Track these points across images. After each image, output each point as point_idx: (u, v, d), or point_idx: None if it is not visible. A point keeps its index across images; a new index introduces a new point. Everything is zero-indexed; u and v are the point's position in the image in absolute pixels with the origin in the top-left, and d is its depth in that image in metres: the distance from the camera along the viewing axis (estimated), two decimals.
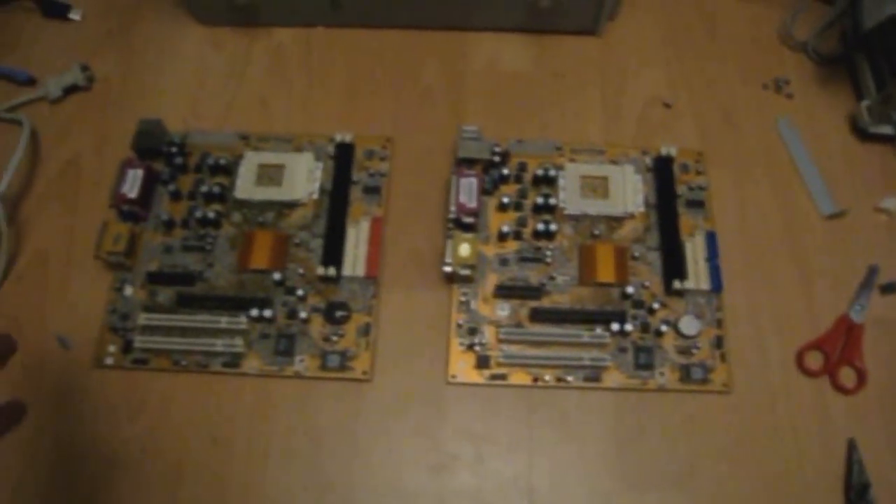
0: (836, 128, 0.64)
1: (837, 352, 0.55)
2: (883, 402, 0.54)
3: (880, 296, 0.57)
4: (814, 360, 0.55)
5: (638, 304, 0.55)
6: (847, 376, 0.55)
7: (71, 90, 0.65)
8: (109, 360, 0.54)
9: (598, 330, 0.54)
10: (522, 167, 0.60)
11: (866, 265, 0.58)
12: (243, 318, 0.54)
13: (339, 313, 0.55)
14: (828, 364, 0.55)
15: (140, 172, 0.58)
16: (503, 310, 0.55)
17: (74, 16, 0.69)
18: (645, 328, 0.55)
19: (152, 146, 0.60)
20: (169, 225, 0.58)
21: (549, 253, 0.57)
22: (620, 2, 0.66)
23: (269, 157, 0.59)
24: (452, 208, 0.55)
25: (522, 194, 0.59)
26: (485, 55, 0.67)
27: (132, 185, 0.57)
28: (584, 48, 0.68)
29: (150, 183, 0.59)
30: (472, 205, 0.55)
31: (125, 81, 0.66)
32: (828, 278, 0.58)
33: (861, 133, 0.63)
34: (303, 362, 0.54)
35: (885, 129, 0.61)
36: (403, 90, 0.65)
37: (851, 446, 0.52)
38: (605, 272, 0.55)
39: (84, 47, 0.68)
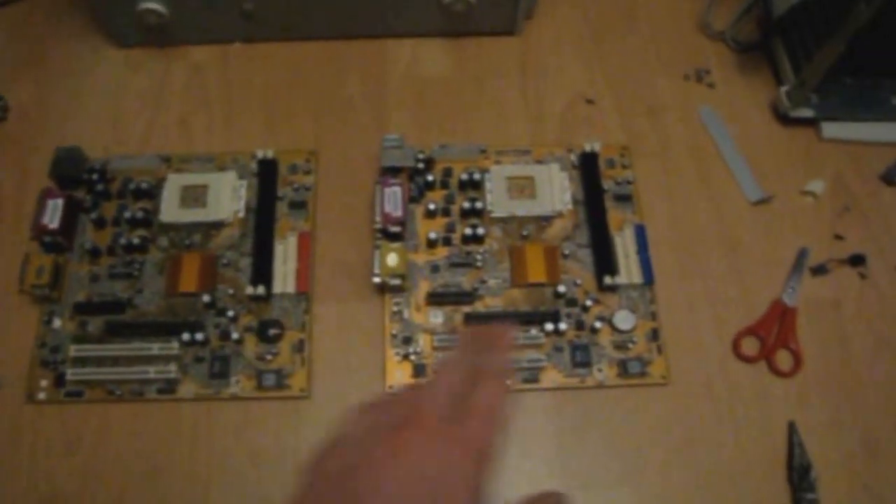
0: (758, 114, 0.65)
1: (773, 336, 0.56)
2: (820, 382, 0.54)
3: (811, 277, 0.58)
4: (750, 346, 0.55)
5: (571, 302, 0.55)
6: (783, 360, 0.55)
7: None
8: (42, 395, 0.53)
9: (533, 331, 0.54)
10: (448, 172, 0.60)
11: (796, 248, 0.59)
12: (175, 343, 0.53)
13: (272, 331, 0.54)
14: (764, 349, 0.55)
15: (60, 202, 0.56)
16: (437, 317, 0.55)
17: None
18: (580, 326, 0.55)
19: (71, 174, 0.59)
20: (94, 253, 0.57)
21: (479, 257, 0.56)
22: (537, 0, 0.66)
23: (192, 178, 0.59)
24: (378, 218, 0.55)
25: (449, 200, 0.59)
26: (405, 62, 0.67)
27: (52, 216, 0.56)
28: (503, 48, 0.68)
29: (72, 212, 0.57)
30: (398, 214, 0.54)
31: (42, 109, 0.65)
32: (759, 264, 0.58)
33: (783, 118, 0.63)
34: (238, 383, 0.53)
35: (806, 113, 0.62)
36: (325, 102, 0.65)
37: (791, 429, 0.53)
38: (537, 272, 0.55)
39: None
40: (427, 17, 0.65)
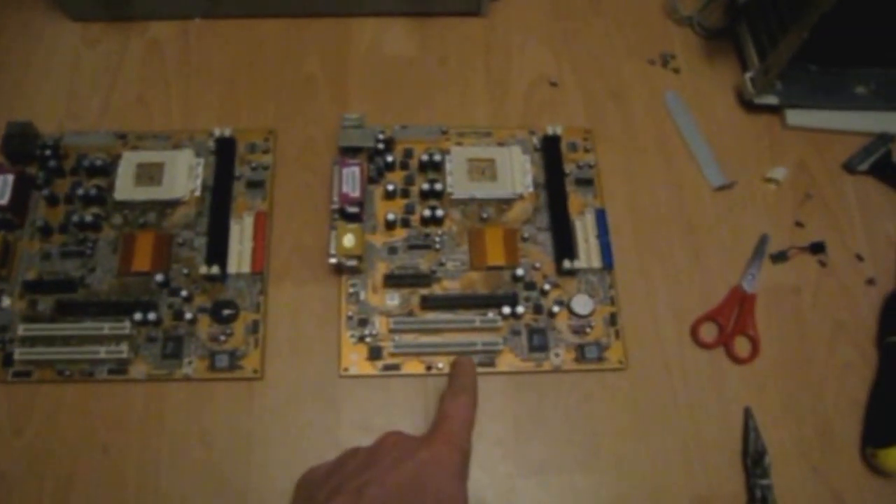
0: (722, 100, 0.64)
1: (731, 322, 0.56)
2: (776, 369, 0.54)
3: (771, 264, 0.58)
4: (708, 332, 0.55)
5: (529, 285, 0.55)
6: (741, 346, 0.55)
7: None
8: None
9: (491, 314, 0.53)
10: (408, 153, 0.59)
11: (757, 235, 0.59)
12: (127, 323, 0.52)
13: (225, 312, 0.53)
14: (722, 335, 0.55)
15: (10, 178, 0.55)
16: (393, 299, 0.54)
17: None
18: (538, 310, 0.54)
19: (23, 149, 0.57)
20: (46, 231, 0.55)
21: (437, 239, 0.56)
22: None
23: (148, 156, 0.57)
24: (335, 199, 0.54)
25: (409, 181, 0.58)
26: (367, 41, 0.66)
27: (2, 192, 0.54)
28: (467, 29, 0.67)
29: (23, 188, 0.56)
30: (356, 194, 0.54)
31: None
32: (719, 250, 0.58)
33: (747, 105, 0.63)
34: (191, 364, 0.52)
35: (770, 100, 0.62)
36: (285, 81, 0.64)
37: (747, 414, 0.53)
38: (495, 255, 0.55)
39: None
40: None
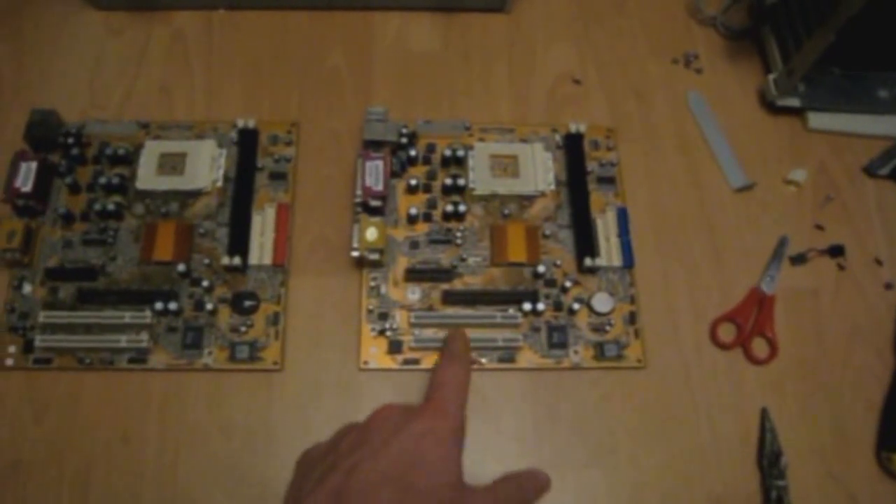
0: (745, 101, 0.64)
1: (750, 323, 0.56)
2: (794, 370, 0.54)
3: (790, 266, 0.58)
4: (727, 333, 0.55)
5: (550, 282, 0.55)
6: (759, 347, 0.55)
7: None
8: (10, 362, 0.52)
9: (511, 310, 0.53)
10: (431, 148, 0.59)
11: (776, 237, 0.59)
12: (148, 312, 0.52)
13: (247, 303, 0.53)
14: (740, 335, 0.55)
15: (34, 165, 0.55)
16: (414, 293, 0.54)
17: None
18: (558, 307, 0.54)
19: (46, 137, 0.57)
20: (68, 218, 0.56)
21: (459, 234, 0.56)
22: None
23: (171, 146, 0.57)
24: (359, 192, 0.54)
25: (431, 176, 0.58)
26: (392, 35, 0.66)
27: (26, 179, 0.55)
28: (492, 25, 0.67)
29: (46, 176, 0.56)
30: (379, 188, 0.54)
31: (17, 71, 0.63)
32: (739, 251, 0.58)
33: (769, 106, 0.63)
34: (211, 355, 0.52)
35: (792, 102, 0.62)
36: (309, 73, 0.64)
37: (764, 415, 0.53)
38: (517, 252, 0.55)
39: None
40: None
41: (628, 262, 0.56)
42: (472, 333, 0.52)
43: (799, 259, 0.58)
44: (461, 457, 0.39)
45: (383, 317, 0.54)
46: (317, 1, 0.66)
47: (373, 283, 0.55)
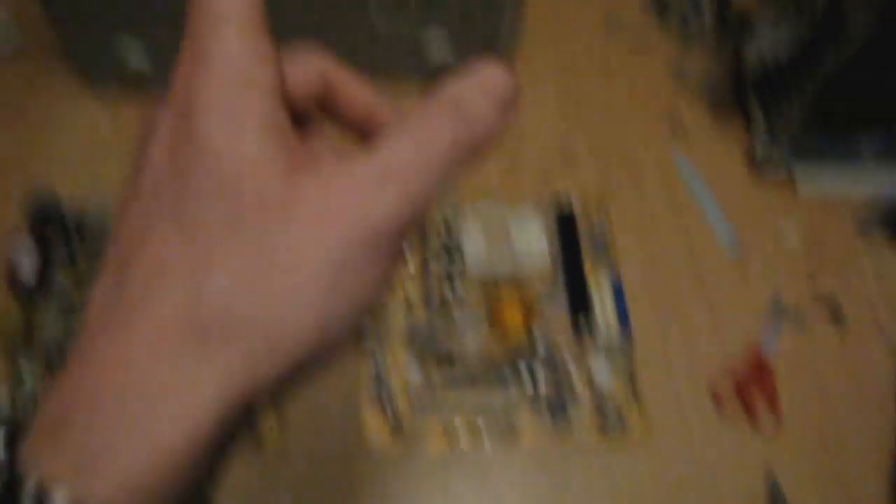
0: (732, 164, 0.65)
1: (751, 389, 0.55)
2: (799, 436, 0.53)
3: (789, 328, 0.57)
4: (729, 398, 0.55)
5: (548, 354, 0.54)
6: (763, 413, 0.54)
7: None
8: None
9: (510, 387, 0.53)
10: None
11: (772, 298, 0.58)
12: None
13: None
14: (743, 402, 0.54)
15: (34, 247, 0.55)
16: (412, 366, 0.53)
17: None
18: (556, 379, 0.53)
19: (47, 219, 0.57)
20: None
21: (456, 314, 0.55)
22: (515, 56, 0.66)
23: None
24: None
25: (426, 254, 0.57)
26: None
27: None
28: None
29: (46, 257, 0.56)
30: None
31: (19, 156, 0.62)
32: (737, 313, 0.58)
33: (756, 169, 0.64)
34: None
35: (779, 163, 0.63)
36: None
37: (774, 489, 0.52)
38: (514, 324, 0.54)
39: None
40: (407, 64, 0.65)
41: (626, 330, 0.55)
42: (471, 412, 0.52)
43: (797, 320, 0.58)
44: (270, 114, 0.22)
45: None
46: None
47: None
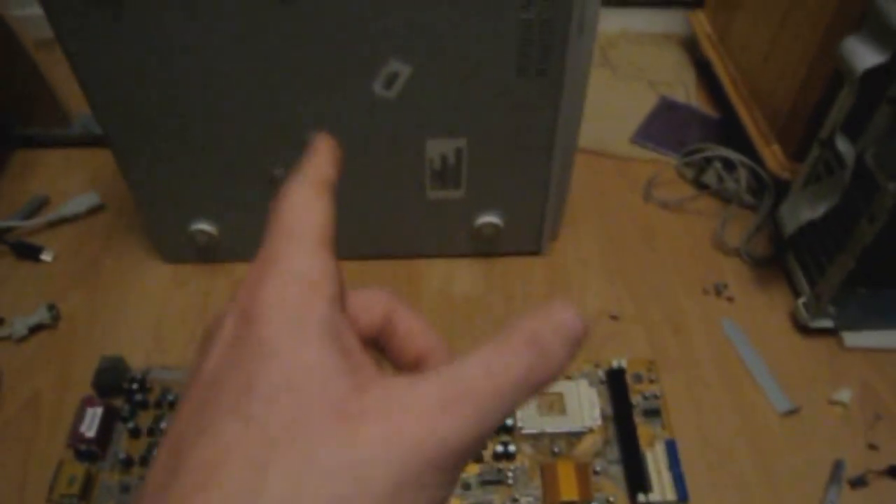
0: (778, 325, 0.66)
1: None
2: None
3: (850, 490, 0.56)
4: None
5: None
6: None
7: (36, 328, 0.66)
8: None
9: None
10: None
11: (831, 460, 0.58)
12: None
13: None
14: None
15: (99, 410, 0.58)
16: None
17: (46, 257, 0.72)
18: None
19: (113, 384, 0.60)
20: (127, 463, 0.57)
21: (510, 474, 0.56)
22: (560, 223, 0.71)
23: None
24: None
25: None
26: (437, 280, 0.71)
27: (91, 424, 0.57)
28: (530, 267, 0.71)
29: (109, 420, 0.59)
30: None
31: (90, 319, 0.68)
32: (794, 477, 0.57)
33: (803, 328, 0.65)
34: None
35: (825, 323, 0.64)
36: None
37: None
38: (569, 490, 0.54)
39: (52, 287, 0.70)
40: (458, 239, 0.70)
41: (682, 495, 0.55)
42: None
43: (858, 482, 0.57)
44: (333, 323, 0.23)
45: None
46: (366, 251, 0.71)
47: None
